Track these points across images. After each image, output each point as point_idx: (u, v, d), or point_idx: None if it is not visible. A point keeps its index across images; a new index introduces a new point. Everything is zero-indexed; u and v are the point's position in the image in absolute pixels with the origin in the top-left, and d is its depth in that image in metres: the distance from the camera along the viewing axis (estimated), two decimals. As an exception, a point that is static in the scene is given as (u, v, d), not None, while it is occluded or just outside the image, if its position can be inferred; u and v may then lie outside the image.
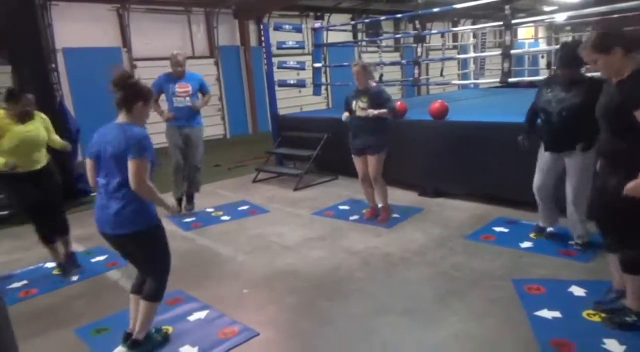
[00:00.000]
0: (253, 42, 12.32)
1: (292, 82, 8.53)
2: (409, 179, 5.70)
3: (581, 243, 3.65)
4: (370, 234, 4.38)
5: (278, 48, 7.93)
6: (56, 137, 3.89)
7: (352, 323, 2.89)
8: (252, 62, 12.09)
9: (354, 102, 4.45)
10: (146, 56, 10.43)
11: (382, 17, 9.59)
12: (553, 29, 13.17)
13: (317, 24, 8.68)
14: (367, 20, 10.98)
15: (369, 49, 13.85)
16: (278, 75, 8.00)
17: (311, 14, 13.20)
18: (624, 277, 2.61)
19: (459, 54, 12.72)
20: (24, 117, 3.59)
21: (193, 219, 5.20)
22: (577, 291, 3.03)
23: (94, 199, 2.78)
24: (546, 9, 13.30)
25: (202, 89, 5.27)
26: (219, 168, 7.88)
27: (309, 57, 9.02)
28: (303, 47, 8.79)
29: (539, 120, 3.68)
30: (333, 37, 10.38)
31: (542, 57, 15.09)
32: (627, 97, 2.37)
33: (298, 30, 8.24)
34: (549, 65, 11.38)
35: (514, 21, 5.87)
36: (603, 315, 2.70)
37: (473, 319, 2.84)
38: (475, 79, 11.05)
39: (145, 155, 2.42)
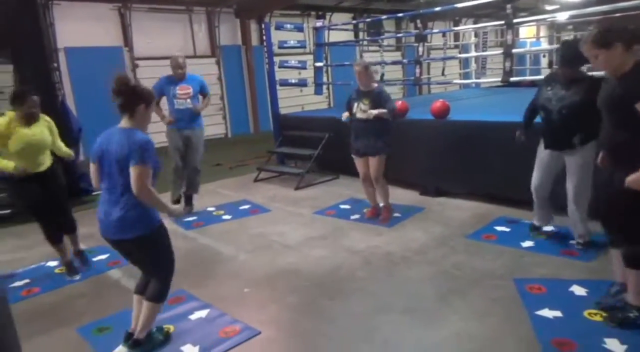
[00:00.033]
0: (254, 41, 12.32)
1: (293, 81, 8.54)
2: (410, 178, 5.70)
3: (582, 242, 3.64)
4: (372, 233, 4.38)
5: (279, 47, 7.94)
6: (61, 144, 3.89)
7: (354, 322, 2.89)
8: (254, 61, 12.09)
9: (355, 104, 4.44)
10: (148, 56, 10.45)
11: (384, 17, 9.58)
12: (555, 28, 13.15)
13: (319, 23, 8.68)
14: (368, 20, 10.96)
15: (371, 48, 13.84)
16: (279, 74, 8.00)
17: (313, 13, 13.20)
18: (626, 273, 2.62)
19: (460, 53, 12.68)
20: (30, 119, 3.60)
21: (194, 218, 5.21)
22: (578, 290, 3.03)
23: (96, 197, 2.80)
24: (548, 8, 13.27)
25: (202, 90, 5.28)
26: (220, 167, 7.89)
27: (311, 57, 9.02)
28: (304, 47, 8.79)
29: (539, 120, 3.68)
30: (334, 36, 10.37)
31: (544, 56, 15.04)
32: (628, 90, 2.39)
33: (299, 29, 8.24)
34: (550, 65, 11.34)
35: (515, 20, 5.87)
36: (604, 314, 2.70)
37: (474, 318, 2.84)
38: (476, 78, 11.04)
39: (147, 161, 2.42)
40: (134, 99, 2.50)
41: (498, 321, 2.78)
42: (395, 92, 13.45)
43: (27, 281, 3.83)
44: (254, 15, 11.98)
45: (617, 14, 5.81)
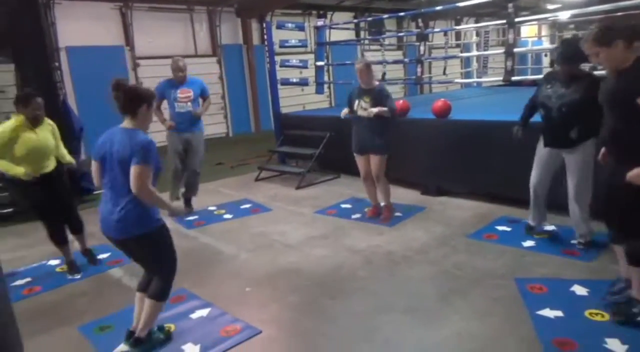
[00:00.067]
0: (256, 40, 12.32)
1: (294, 80, 8.53)
2: (411, 177, 5.69)
3: (584, 242, 3.64)
4: (373, 233, 4.38)
5: (281, 46, 7.93)
6: (64, 152, 3.90)
7: (355, 321, 2.89)
8: (255, 60, 12.09)
9: (356, 102, 4.45)
10: (149, 55, 10.45)
11: (385, 16, 9.57)
12: (557, 27, 13.10)
13: (320, 22, 8.68)
14: (369, 19, 10.95)
15: (372, 47, 13.83)
16: (281, 73, 8.00)
17: (314, 12, 13.20)
18: (629, 270, 2.62)
19: (461, 52, 12.66)
20: (35, 121, 3.61)
21: (196, 217, 5.21)
22: (580, 290, 3.03)
23: (97, 197, 2.80)
24: (550, 7, 13.24)
25: (203, 93, 5.28)
26: (221, 166, 7.89)
27: (312, 56, 9.01)
28: (306, 46, 8.78)
29: (538, 119, 3.68)
30: (336, 35, 10.37)
31: (546, 55, 15.00)
32: (628, 85, 2.39)
33: (301, 28, 8.23)
34: (552, 64, 11.33)
35: (517, 19, 5.85)
36: (611, 311, 2.69)
37: (475, 317, 2.84)
38: (478, 77, 11.02)
39: (149, 161, 2.43)
40: (135, 100, 2.52)
41: (499, 321, 2.78)
42: (396, 91, 13.43)
43: (28, 279, 3.84)
44: (255, 14, 11.98)
45: (619, 13, 5.80)
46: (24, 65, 5.70)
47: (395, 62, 11.23)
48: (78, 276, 3.84)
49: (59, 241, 3.86)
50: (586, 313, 2.74)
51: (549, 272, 3.33)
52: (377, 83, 4.52)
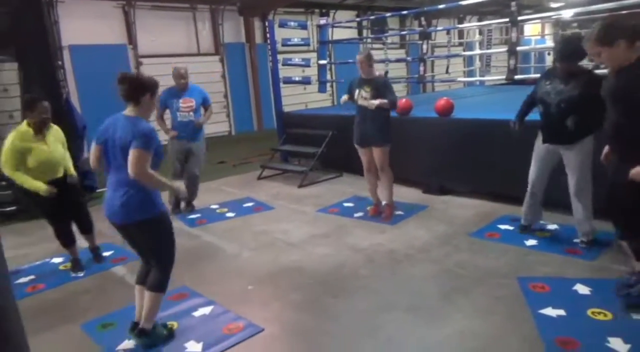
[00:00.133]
0: (258, 39, 12.32)
1: (297, 79, 8.53)
2: (413, 176, 5.69)
3: (586, 241, 3.63)
4: (375, 231, 4.38)
5: (283, 45, 7.94)
6: (70, 163, 3.89)
7: (357, 320, 2.90)
8: (257, 59, 12.09)
9: (357, 91, 4.46)
10: (152, 53, 10.47)
11: (388, 14, 9.56)
12: (560, 26, 13.05)
13: (323, 21, 8.67)
14: (372, 17, 10.95)
15: (375, 45, 13.76)
16: (283, 72, 8.00)
17: (316, 10, 13.18)
18: (638, 266, 2.62)
19: (464, 51, 12.64)
20: (42, 126, 3.62)
21: (198, 215, 5.23)
22: (582, 289, 3.02)
23: (101, 195, 2.81)
24: (553, 5, 13.18)
25: (204, 102, 5.29)
26: (223, 165, 7.90)
27: (314, 54, 9.01)
28: (308, 44, 8.79)
29: (535, 116, 3.68)
30: (338, 34, 10.36)
31: (549, 54, 14.95)
32: (629, 82, 2.40)
33: (303, 27, 8.24)
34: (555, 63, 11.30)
35: (520, 18, 5.84)
36: (610, 312, 2.69)
37: (478, 316, 2.84)
38: (481, 76, 10.99)
39: (149, 147, 2.46)
40: (139, 89, 2.55)
41: (501, 320, 2.78)
42: (399, 90, 13.40)
43: (32, 277, 3.86)
44: (258, 13, 11.98)
45: (623, 11, 5.77)
46: (27, 64, 5.72)
47: (398, 60, 11.18)
48: (81, 274, 3.86)
49: (66, 242, 3.88)
50: (588, 312, 2.74)
51: (551, 271, 3.32)
52: (377, 73, 4.55)
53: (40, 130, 3.61)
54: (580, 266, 3.37)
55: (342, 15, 13.28)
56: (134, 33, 10.32)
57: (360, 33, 12.79)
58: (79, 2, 9.45)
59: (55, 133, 3.78)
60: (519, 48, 6.09)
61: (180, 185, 2.91)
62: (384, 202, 4.76)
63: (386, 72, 8.95)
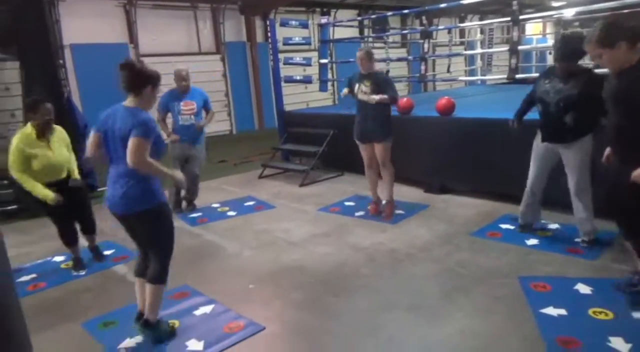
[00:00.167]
0: (259, 38, 12.32)
1: (298, 78, 8.53)
2: (414, 175, 5.69)
3: (587, 240, 3.63)
4: (376, 230, 4.38)
5: (284, 44, 7.94)
6: (75, 166, 3.89)
7: (358, 318, 2.90)
8: (259, 58, 12.09)
9: (357, 85, 4.46)
10: (153, 52, 10.46)
11: (389, 13, 9.55)
12: (561, 25, 13.03)
13: (324, 20, 8.66)
14: (373, 16, 10.94)
15: (376, 45, 13.76)
16: (284, 71, 8.00)
17: (317, 9, 13.17)
18: None
19: (466, 50, 12.64)
20: (45, 129, 3.62)
21: (199, 214, 5.23)
22: (583, 288, 3.02)
23: (101, 193, 2.81)
24: (554, 4, 13.16)
25: (205, 105, 5.29)
26: (225, 164, 7.90)
27: (315, 53, 9.00)
28: (309, 43, 8.79)
29: (534, 115, 3.68)
30: (339, 33, 10.34)
31: (550, 53, 14.93)
32: (630, 84, 2.39)
33: (304, 26, 8.23)
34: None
35: (521, 17, 5.83)
36: (611, 312, 2.69)
37: (479, 315, 2.84)
38: (482, 75, 10.98)
39: (148, 135, 2.46)
40: (142, 80, 2.54)
41: (502, 319, 2.78)
42: (400, 89, 13.33)
43: (33, 275, 3.87)
44: (259, 12, 11.98)
45: (625, 10, 5.75)
46: (28, 63, 5.72)
47: (399, 59, 11.20)
48: (83, 273, 3.86)
49: (70, 241, 3.89)
50: (590, 311, 2.74)
51: (552, 271, 3.32)
52: (377, 68, 4.55)
53: (43, 133, 3.61)
54: (582, 266, 3.37)
55: (343, 14, 13.27)
56: (135, 32, 10.33)
57: (361, 32, 12.79)
58: (80, 1, 9.46)
59: (60, 134, 3.78)
60: (520, 47, 6.07)
61: (180, 173, 2.89)
62: (384, 201, 4.76)
63: (387, 71, 8.94)
